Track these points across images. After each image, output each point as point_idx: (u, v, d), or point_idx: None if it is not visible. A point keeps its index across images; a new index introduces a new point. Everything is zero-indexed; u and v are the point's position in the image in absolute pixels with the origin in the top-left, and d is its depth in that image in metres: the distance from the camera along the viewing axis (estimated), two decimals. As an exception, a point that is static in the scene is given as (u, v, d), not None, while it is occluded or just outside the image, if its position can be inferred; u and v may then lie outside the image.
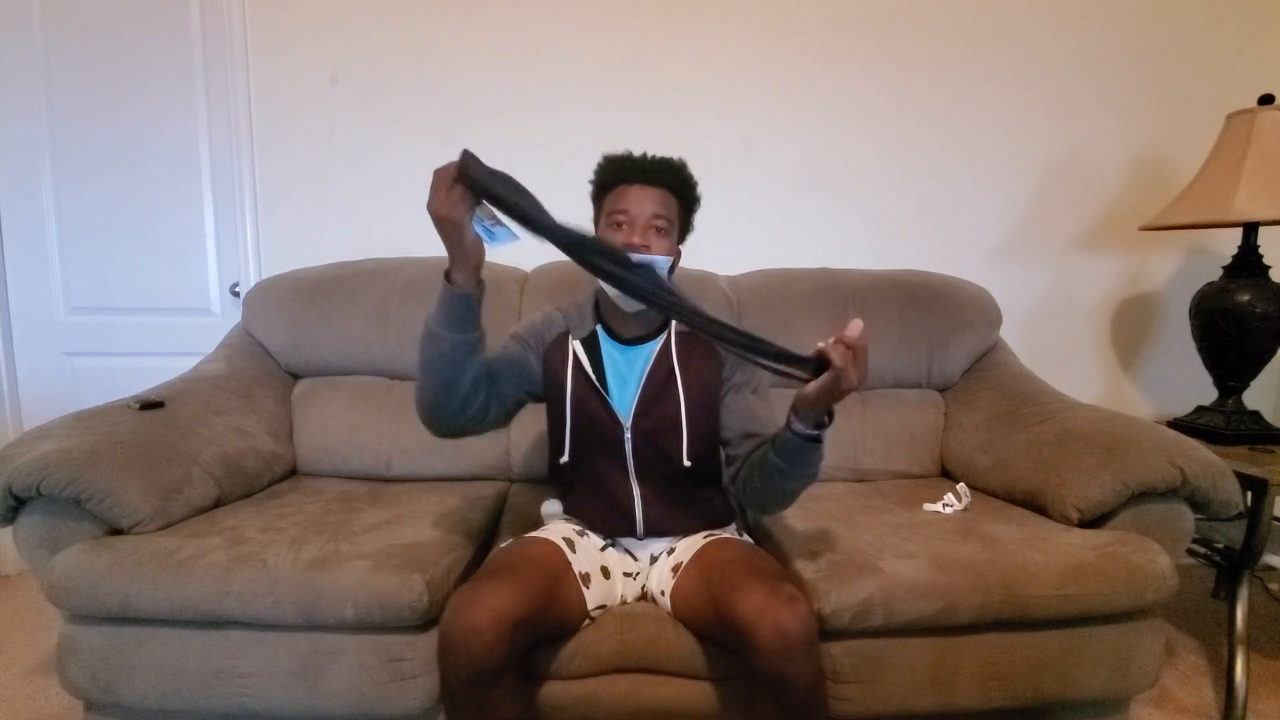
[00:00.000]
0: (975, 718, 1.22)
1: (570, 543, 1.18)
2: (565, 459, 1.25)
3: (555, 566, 1.11)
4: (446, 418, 1.13)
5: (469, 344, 1.08)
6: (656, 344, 1.26)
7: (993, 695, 1.20)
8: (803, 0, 2.01)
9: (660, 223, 1.18)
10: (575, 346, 1.25)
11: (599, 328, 1.28)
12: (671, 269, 1.23)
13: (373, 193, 2.06)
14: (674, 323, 1.27)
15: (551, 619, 1.08)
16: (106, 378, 2.09)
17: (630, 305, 1.20)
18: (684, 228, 1.27)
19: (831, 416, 1.04)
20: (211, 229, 2.09)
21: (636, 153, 1.22)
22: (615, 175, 1.21)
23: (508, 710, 1.01)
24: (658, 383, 1.23)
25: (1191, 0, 2.05)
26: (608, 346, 1.27)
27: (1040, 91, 2.08)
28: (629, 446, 1.22)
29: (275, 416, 1.70)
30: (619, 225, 1.18)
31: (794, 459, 1.05)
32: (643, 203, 1.18)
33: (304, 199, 2.06)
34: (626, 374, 1.25)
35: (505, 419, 1.22)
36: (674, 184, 1.21)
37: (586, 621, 1.16)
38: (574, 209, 2.11)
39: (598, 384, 1.23)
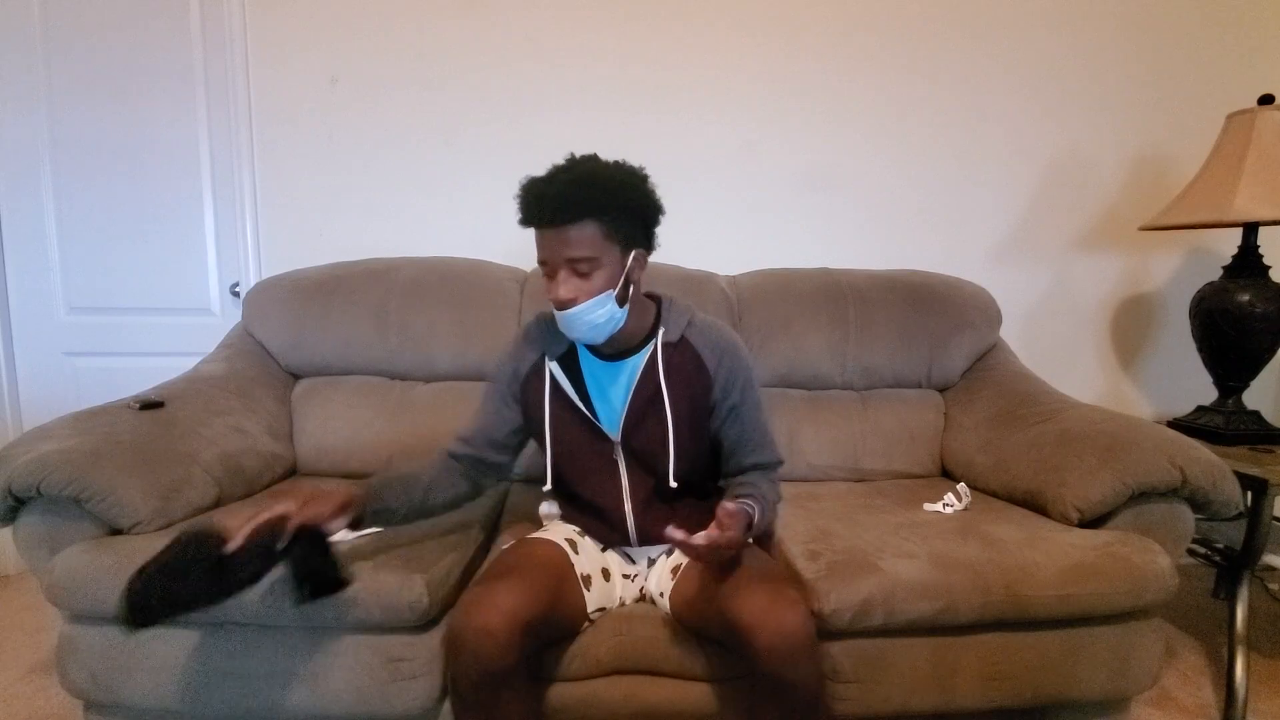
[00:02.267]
0: (975, 718, 1.22)
1: (572, 544, 1.18)
2: (547, 487, 1.23)
3: (560, 568, 1.11)
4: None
5: (402, 516, 1.17)
6: (641, 358, 1.17)
7: (993, 695, 1.20)
8: (803, 1, 2.02)
9: (581, 266, 1.04)
10: (552, 369, 1.18)
11: (579, 344, 1.20)
12: (626, 289, 1.11)
13: (373, 193, 2.06)
14: (659, 336, 1.17)
15: (557, 621, 1.08)
16: (106, 378, 2.09)
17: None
18: (632, 234, 1.09)
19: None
20: (211, 229, 2.09)
21: (560, 161, 1.09)
22: (524, 216, 1.07)
23: (516, 712, 1.01)
24: (644, 399, 1.16)
25: (1191, 0, 2.06)
26: (588, 363, 1.20)
27: (1040, 91, 2.08)
28: (622, 463, 1.20)
29: (275, 416, 1.69)
30: (545, 275, 1.09)
31: None
32: (553, 248, 1.05)
33: (304, 199, 2.06)
34: (610, 390, 1.19)
35: (517, 456, 1.29)
36: (583, 211, 1.02)
37: (586, 624, 1.16)
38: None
39: (581, 404, 1.17)
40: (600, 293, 1.06)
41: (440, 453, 1.25)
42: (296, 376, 1.82)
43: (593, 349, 1.20)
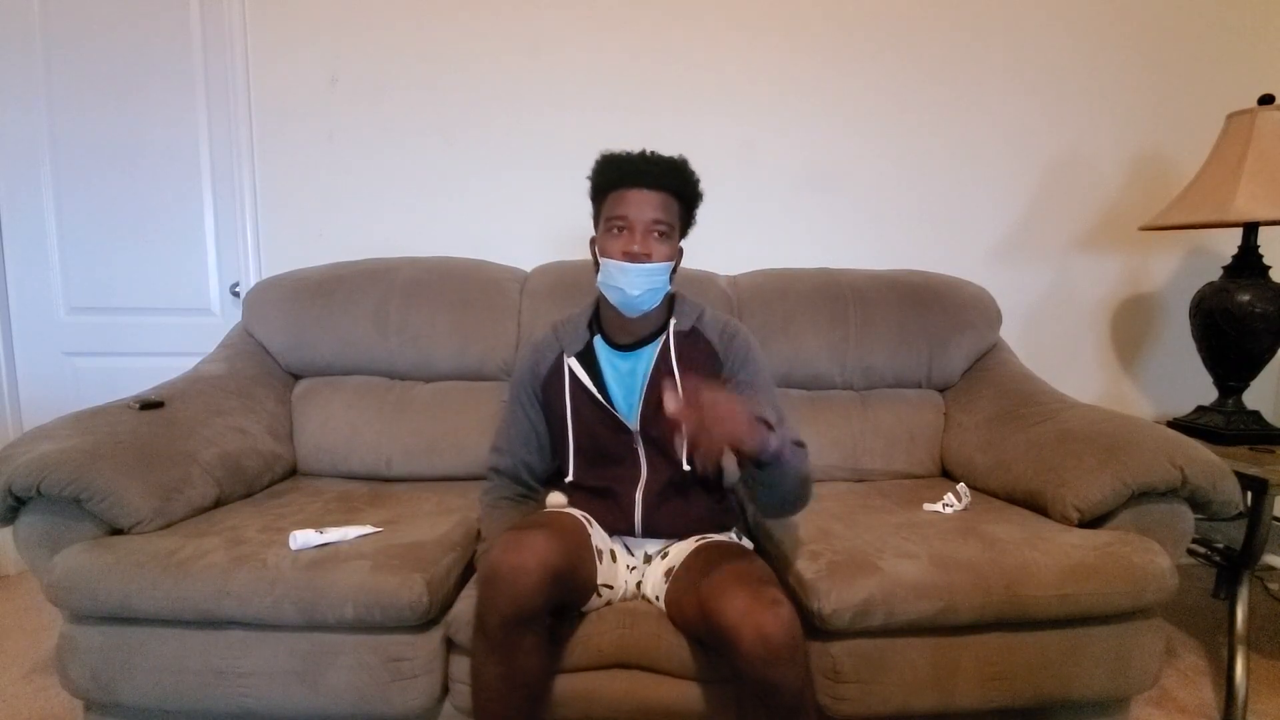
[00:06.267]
0: (975, 718, 1.22)
1: (588, 520, 1.21)
2: (570, 478, 1.27)
3: (582, 534, 1.14)
4: None
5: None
6: (655, 347, 1.25)
7: (993, 695, 1.20)
8: (803, 0, 2.02)
9: (661, 228, 1.17)
10: (571, 364, 1.25)
11: (596, 338, 1.28)
12: (674, 271, 1.23)
13: (373, 193, 2.05)
14: (672, 324, 1.27)
15: (576, 579, 1.10)
16: (106, 378, 2.09)
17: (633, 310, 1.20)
18: (685, 226, 1.26)
19: (766, 451, 0.96)
20: (211, 229, 2.09)
21: (635, 150, 1.20)
22: (613, 178, 1.18)
23: (535, 661, 1.03)
24: (659, 386, 1.22)
25: (1191, 0, 2.06)
26: (606, 355, 1.27)
27: (1040, 91, 2.08)
28: (642, 454, 1.24)
29: (275, 416, 1.69)
30: (618, 231, 1.17)
31: (767, 479, 1.02)
32: (642, 208, 1.16)
33: (304, 199, 2.06)
34: (629, 380, 1.25)
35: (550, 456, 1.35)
36: (675, 186, 1.19)
37: (595, 598, 1.16)
38: (570, 208, 2.12)
39: (600, 396, 1.23)
40: (665, 260, 1.18)
41: (489, 474, 1.35)
42: (296, 376, 1.82)
43: (609, 340, 1.27)
